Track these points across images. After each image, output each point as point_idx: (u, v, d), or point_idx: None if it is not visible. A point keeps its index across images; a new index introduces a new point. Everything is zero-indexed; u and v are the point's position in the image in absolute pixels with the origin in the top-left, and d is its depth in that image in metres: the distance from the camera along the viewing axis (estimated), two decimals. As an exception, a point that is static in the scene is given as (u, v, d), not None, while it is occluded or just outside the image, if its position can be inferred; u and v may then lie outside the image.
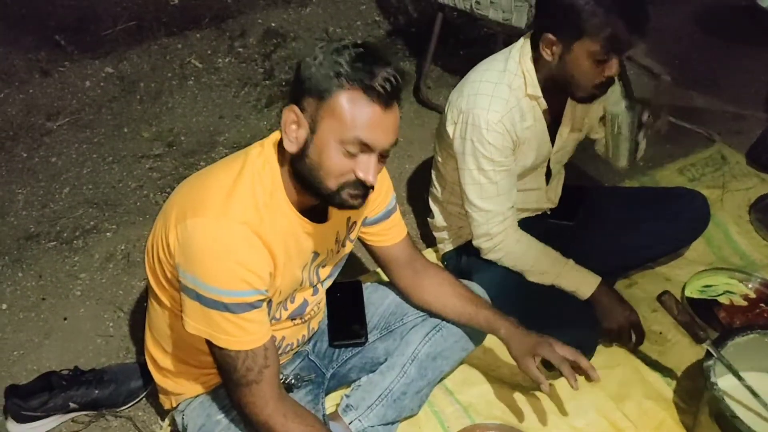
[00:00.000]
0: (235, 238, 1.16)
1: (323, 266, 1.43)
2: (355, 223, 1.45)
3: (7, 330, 1.87)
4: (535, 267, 1.74)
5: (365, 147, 1.15)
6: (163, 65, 3.04)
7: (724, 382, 1.54)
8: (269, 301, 1.28)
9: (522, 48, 1.64)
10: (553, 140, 1.78)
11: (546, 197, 1.92)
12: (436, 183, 1.89)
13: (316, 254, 1.36)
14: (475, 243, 1.76)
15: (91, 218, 2.28)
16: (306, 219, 1.27)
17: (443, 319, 1.57)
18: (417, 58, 3.21)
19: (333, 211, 1.35)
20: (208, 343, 1.23)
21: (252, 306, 1.19)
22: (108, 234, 2.22)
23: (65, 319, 1.92)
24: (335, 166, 1.16)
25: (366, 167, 1.16)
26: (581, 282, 1.74)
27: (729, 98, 2.88)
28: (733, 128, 2.72)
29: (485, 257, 1.77)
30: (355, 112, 1.13)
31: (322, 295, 1.50)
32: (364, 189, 1.19)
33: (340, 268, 1.52)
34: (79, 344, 1.84)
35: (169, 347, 1.40)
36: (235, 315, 1.18)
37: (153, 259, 1.30)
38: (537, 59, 1.62)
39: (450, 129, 1.69)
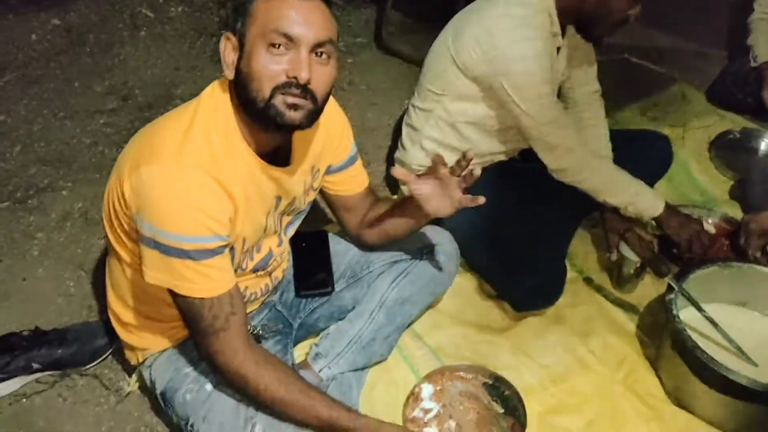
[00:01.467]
0: (191, 182, 1.13)
1: (287, 214, 1.41)
2: (318, 170, 1.43)
3: (-38, 293, 1.82)
4: (617, 185, 1.76)
5: (289, 41, 1.11)
6: (112, 15, 2.92)
7: (685, 314, 1.58)
8: (232, 248, 1.25)
9: None
10: None
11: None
12: (415, 115, 1.86)
13: (279, 199, 1.33)
14: (554, 166, 1.74)
15: (45, 176, 2.21)
16: (265, 162, 1.24)
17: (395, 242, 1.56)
18: (377, 3, 3.14)
19: (295, 155, 1.32)
20: (171, 293, 1.20)
21: (213, 252, 1.17)
22: (63, 192, 2.15)
23: (24, 279, 1.87)
24: (263, 67, 1.12)
25: (294, 62, 1.12)
26: (653, 201, 1.78)
27: (689, 36, 2.89)
28: (694, 66, 2.74)
29: (566, 178, 1.76)
30: (272, 8, 1.12)
31: (285, 246, 1.48)
32: (299, 93, 1.13)
33: (302, 217, 1.50)
34: (40, 305, 1.80)
35: (131, 302, 1.37)
36: (196, 262, 1.15)
37: (110, 213, 1.26)
38: None
39: (479, 66, 1.65)
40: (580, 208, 1.94)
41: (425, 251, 1.62)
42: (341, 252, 1.64)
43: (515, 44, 1.59)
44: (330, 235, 1.68)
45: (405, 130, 1.93)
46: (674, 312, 1.53)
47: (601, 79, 1.98)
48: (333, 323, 1.61)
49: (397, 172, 1.31)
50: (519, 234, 1.72)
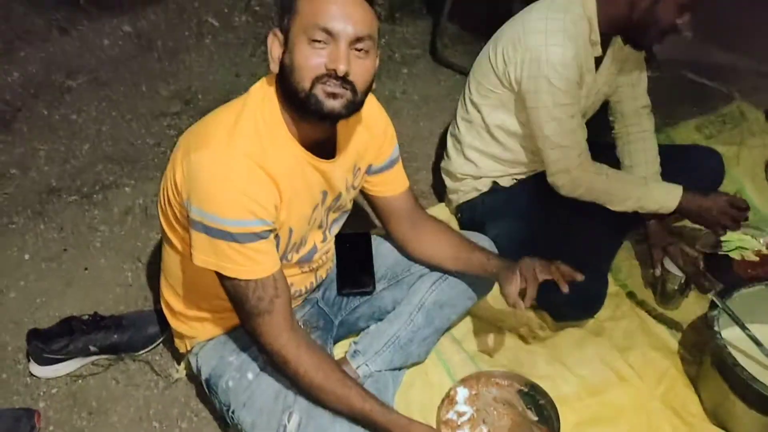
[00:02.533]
0: (238, 168, 1.19)
1: (333, 210, 1.46)
2: (359, 169, 1.47)
3: (30, 278, 1.94)
4: (617, 195, 1.74)
5: (329, 36, 1.16)
6: (180, 23, 3.05)
7: (728, 333, 1.55)
8: (278, 237, 1.30)
9: None
10: None
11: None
12: (460, 125, 1.89)
13: (325, 193, 1.38)
14: (550, 180, 1.76)
15: (111, 174, 2.33)
16: (311, 154, 1.30)
17: (441, 269, 1.59)
18: (433, 15, 3.19)
19: (339, 149, 1.37)
20: (219, 276, 1.26)
21: (258, 236, 1.22)
22: (126, 189, 2.27)
23: (86, 269, 1.98)
24: (304, 59, 1.17)
25: (333, 55, 1.16)
26: (665, 198, 1.74)
27: (750, 54, 2.82)
28: (754, 85, 2.67)
29: (564, 194, 1.77)
30: (314, 3, 1.16)
31: (330, 243, 1.52)
32: (339, 85, 1.18)
33: (346, 216, 1.55)
34: (100, 293, 1.90)
35: (181, 291, 1.45)
36: (241, 245, 1.21)
37: (164, 202, 1.33)
38: (604, 5, 1.62)
39: (512, 69, 1.68)
40: (626, 221, 1.92)
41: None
42: (383, 254, 1.68)
43: (546, 47, 1.60)
44: (373, 237, 1.72)
45: (450, 140, 1.96)
46: (716, 329, 1.51)
47: (657, 95, 1.97)
48: (373, 323, 1.64)
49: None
50: (561, 245, 1.71)
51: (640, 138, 1.91)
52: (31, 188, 2.27)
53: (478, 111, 1.80)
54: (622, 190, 1.73)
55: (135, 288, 1.93)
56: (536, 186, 1.80)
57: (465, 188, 1.94)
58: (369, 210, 2.02)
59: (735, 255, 1.96)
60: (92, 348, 1.67)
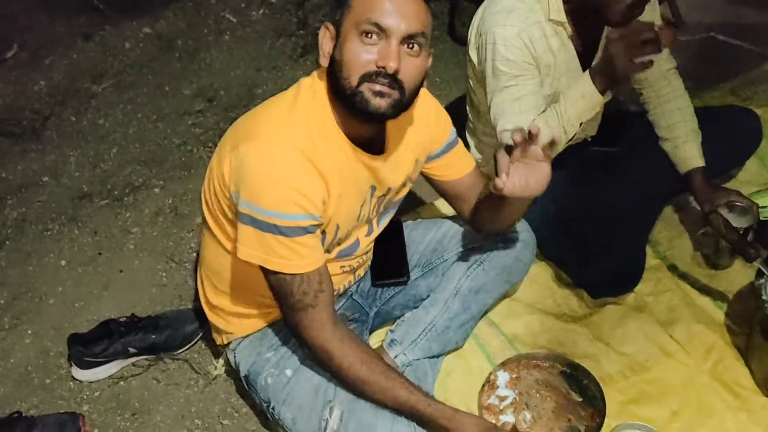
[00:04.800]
0: (287, 161, 1.18)
1: (381, 205, 1.44)
2: (418, 160, 1.45)
3: (67, 284, 1.97)
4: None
5: (380, 32, 1.14)
6: (198, 22, 3.05)
7: (778, 301, 1.49)
8: (324, 232, 1.29)
9: None
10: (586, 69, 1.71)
11: (580, 127, 1.86)
12: (470, 115, 1.87)
13: (374, 188, 1.36)
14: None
15: (140, 175, 2.35)
16: (360, 149, 1.28)
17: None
18: (450, -6, 3.13)
19: (389, 145, 1.34)
20: (263, 270, 1.25)
21: (305, 230, 1.21)
22: (156, 190, 2.28)
23: (121, 271, 2.00)
24: (354, 55, 1.15)
25: (383, 52, 1.15)
26: (580, 92, 1.56)
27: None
28: (789, 43, 2.57)
29: None
30: None
31: (374, 236, 1.49)
32: (387, 83, 1.16)
33: (395, 210, 1.52)
34: (136, 294, 1.92)
35: (221, 285, 1.44)
36: (288, 238, 1.20)
37: (210, 195, 1.32)
38: None
39: (473, 54, 1.65)
40: (663, 191, 1.87)
41: (500, 239, 1.61)
42: (416, 240, 1.66)
43: (490, 29, 1.54)
44: (405, 223, 1.70)
45: (466, 132, 1.92)
46: (765, 297, 1.46)
47: (687, 59, 1.90)
48: (408, 311, 1.63)
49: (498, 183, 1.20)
50: (593, 219, 1.68)
51: (672, 98, 1.83)
52: (64, 194, 2.30)
53: (477, 98, 1.76)
54: (551, 117, 1.58)
55: (170, 288, 1.94)
56: (566, 158, 1.75)
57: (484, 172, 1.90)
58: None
59: (777, 219, 1.90)
60: (131, 349, 1.69)
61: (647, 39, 1.43)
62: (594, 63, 1.57)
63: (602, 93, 1.53)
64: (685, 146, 1.78)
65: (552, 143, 1.22)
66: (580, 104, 1.56)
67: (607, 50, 1.49)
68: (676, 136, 1.80)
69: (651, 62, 1.46)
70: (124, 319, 1.72)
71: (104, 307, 1.89)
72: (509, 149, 1.20)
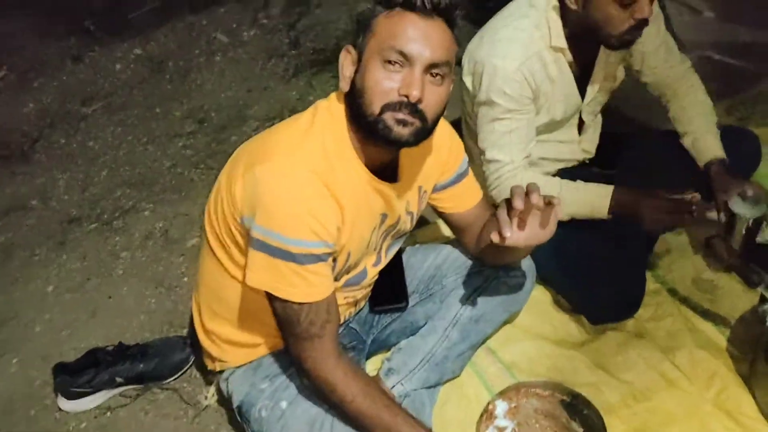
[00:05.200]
0: (304, 186, 1.15)
1: (390, 234, 1.40)
2: (425, 192, 1.41)
3: (54, 311, 1.92)
4: None
5: (404, 59, 1.12)
6: (189, 43, 3.05)
7: (782, 327, 1.46)
8: (335, 260, 1.25)
9: None
10: (582, 92, 1.70)
11: (579, 149, 1.84)
12: (467, 138, 1.84)
13: (384, 216, 1.33)
14: (487, 192, 1.66)
15: (129, 198, 2.31)
16: (375, 176, 1.25)
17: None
18: None
19: (403, 172, 1.32)
20: (269, 297, 1.21)
21: (318, 258, 1.17)
22: (146, 213, 2.25)
23: (109, 297, 1.96)
24: (376, 83, 1.13)
25: (406, 80, 1.12)
26: (594, 200, 1.60)
27: (778, 31, 2.71)
28: (784, 62, 2.56)
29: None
30: (392, 24, 1.12)
31: (381, 267, 1.45)
32: (409, 112, 1.13)
33: (403, 240, 1.49)
34: (124, 321, 1.88)
35: (220, 310, 1.39)
36: (300, 266, 1.16)
37: (216, 218, 1.28)
38: (563, 8, 1.54)
39: (467, 80, 1.63)
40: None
41: (501, 267, 1.56)
42: (414, 266, 1.63)
43: (488, 59, 1.54)
44: (402, 248, 1.66)
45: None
46: (768, 324, 1.43)
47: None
48: (404, 338, 1.58)
49: (495, 238, 1.16)
50: (593, 242, 1.65)
51: (690, 92, 1.83)
52: (52, 218, 2.26)
53: (473, 120, 1.73)
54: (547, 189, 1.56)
55: (159, 314, 1.89)
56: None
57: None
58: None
59: (778, 241, 1.87)
60: (118, 379, 1.64)
61: (684, 211, 1.51)
62: (618, 194, 1.59)
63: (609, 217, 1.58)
64: (705, 138, 1.77)
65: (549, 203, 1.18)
66: (583, 210, 1.60)
67: (642, 207, 1.54)
68: (696, 129, 1.78)
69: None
70: (111, 347, 1.67)
71: (92, 334, 1.84)
72: (509, 202, 1.16)
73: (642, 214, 1.56)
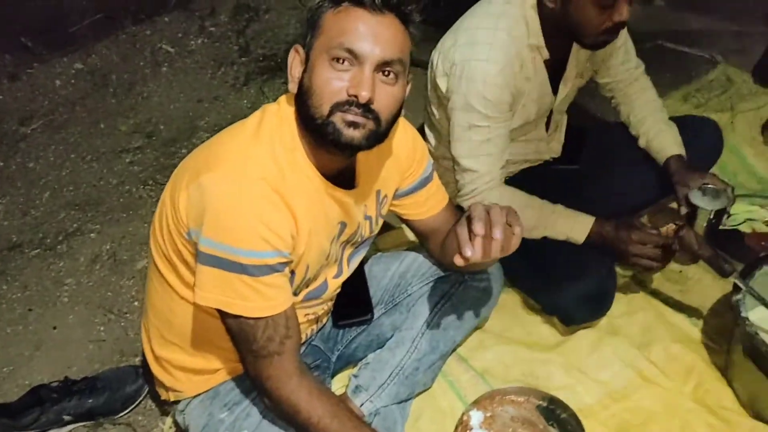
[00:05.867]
0: (253, 194, 1.07)
1: (350, 243, 1.32)
2: (385, 196, 1.34)
3: (-6, 347, 1.79)
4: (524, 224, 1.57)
5: (353, 57, 1.05)
6: (133, 54, 2.92)
7: (756, 315, 1.43)
8: (293, 273, 1.17)
9: None
10: (555, 90, 1.66)
11: (548, 147, 1.80)
12: (430, 138, 1.77)
13: (343, 225, 1.25)
14: (458, 201, 1.63)
15: (74, 221, 2.19)
16: (329, 182, 1.17)
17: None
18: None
19: (361, 177, 1.24)
20: (222, 315, 1.13)
21: (272, 269, 1.09)
22: (92, 235, 2.13)
23: (54, 328, 1.83)
24: (324, 83, 1.06)
25: (356, 80, 1.05)
26: (572, 228, 1.58)
27: (727, 16, 2.73)
28: (735, 47, 2.58)
29: (461, 203, 1.63)
30: (339, 20, 1.07)
31: (342, 279, 1.37)
32: (361, 113, 1.06)
33: (366, 249, 1.41)
34: (71, 352, 1.76)
35: (170, 335, 1.30)
36: (253, 278, 1.07)
37: (161, 235, 1.19)
38: (539, 5, 1.50)
39: (442, 82, 1.57)
40: (627, 208, 1.81)
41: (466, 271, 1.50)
42: (377, 275, 1.56)
43: (468, 62, 1.49)
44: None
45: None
46: (743, 314, 1.39)
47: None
48: (371, 352, 1.51)
49: (459, 261, 1.09)
50: (559, 241, 1.60)
51: (640, 95, 1.82)
52: (-9, 246, 2.12)
53: (440, 123, 1.68)
54: (530, 219, 1.56)
55: (109, 342, 1.78)
56: (526, 181, 1.67)
57: (452, 193, 1.82)
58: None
59: (745, 228, 1.86)
60: (66, 417, 1.52)
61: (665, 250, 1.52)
62: (598, 227, 1.57)
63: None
64: (659, 137, 1.76)
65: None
66: (558, 237, 1.59)
67: (622, 241, 1.53)
68: (647, 129, 1.78)
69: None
70: (56, 383, 1.55)
71: (36, 369, 1.72)
72: (469, 220, 1.08)
73: (621, 251, 1.55)
